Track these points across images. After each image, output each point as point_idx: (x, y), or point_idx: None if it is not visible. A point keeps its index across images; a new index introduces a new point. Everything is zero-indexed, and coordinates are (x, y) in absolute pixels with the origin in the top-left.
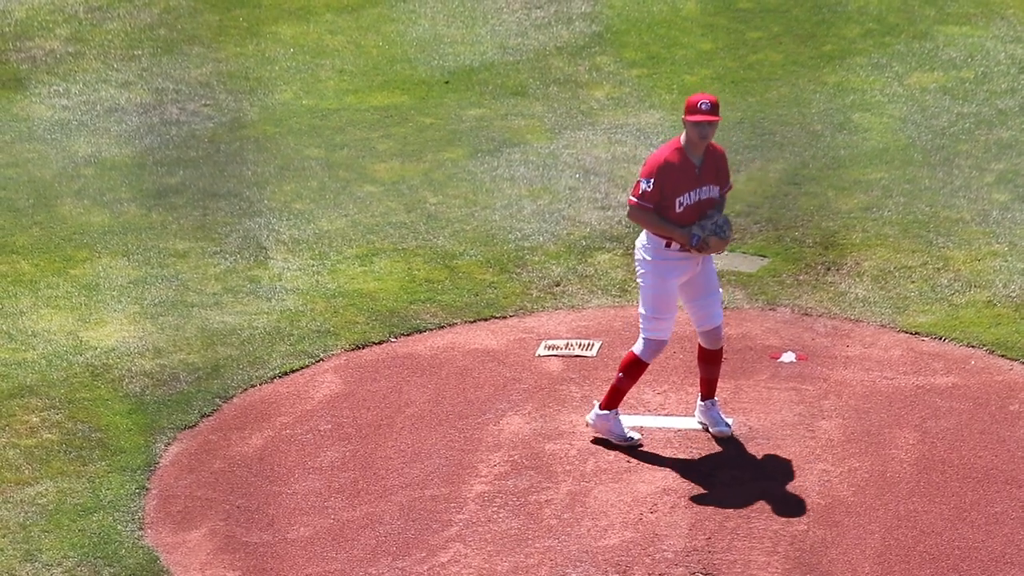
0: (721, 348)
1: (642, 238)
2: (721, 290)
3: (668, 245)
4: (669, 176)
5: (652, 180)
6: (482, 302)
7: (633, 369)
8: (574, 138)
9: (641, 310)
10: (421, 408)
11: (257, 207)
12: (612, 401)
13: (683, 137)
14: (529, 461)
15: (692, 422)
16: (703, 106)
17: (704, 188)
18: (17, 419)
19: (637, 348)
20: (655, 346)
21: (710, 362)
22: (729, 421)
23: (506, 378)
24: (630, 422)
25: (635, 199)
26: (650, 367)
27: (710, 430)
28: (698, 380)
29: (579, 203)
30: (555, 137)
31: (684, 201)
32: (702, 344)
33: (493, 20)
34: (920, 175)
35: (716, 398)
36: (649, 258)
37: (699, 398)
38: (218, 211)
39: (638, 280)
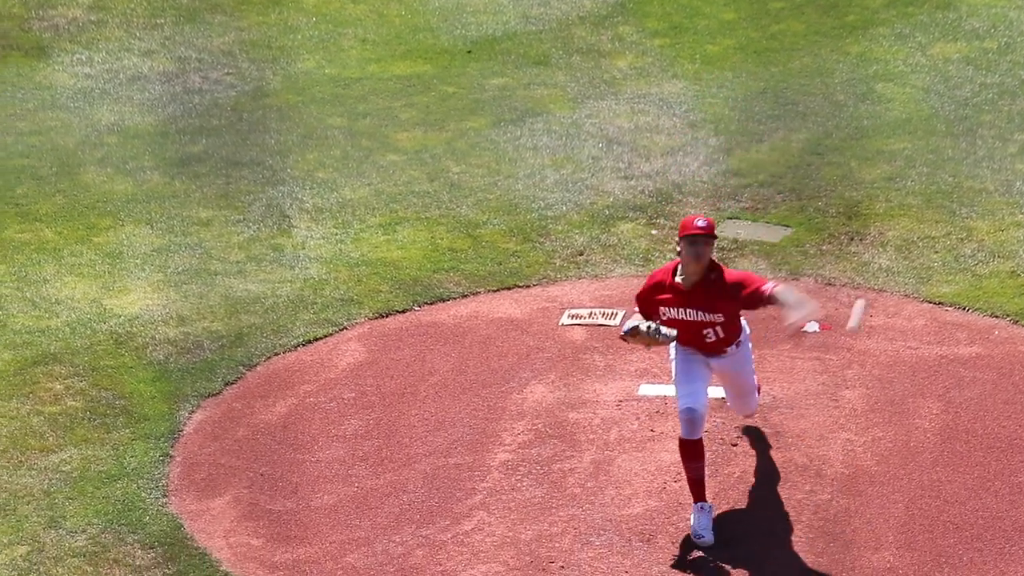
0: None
1: None
2: (756, 393)
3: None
4: (654, 293)
5: (640, 297)
6: (505, 271)
7: (683, 453)
8: (597, 107)
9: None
10: (444, 376)
11: (280, 176)
12: (693, 493)
13: (681, 258)
14: (553, 430)
15: (717, 391)
16: (698, 223)
17: (691, 311)
18: (41, 386)
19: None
20: (684, 415)
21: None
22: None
23: (529, 347)
24: (654, 391)
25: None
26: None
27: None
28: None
29: (602, 172)
30: (578, 106)
31: (666, 312)
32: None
33: None
34: (943, 145)
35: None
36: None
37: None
38: (241, 179)
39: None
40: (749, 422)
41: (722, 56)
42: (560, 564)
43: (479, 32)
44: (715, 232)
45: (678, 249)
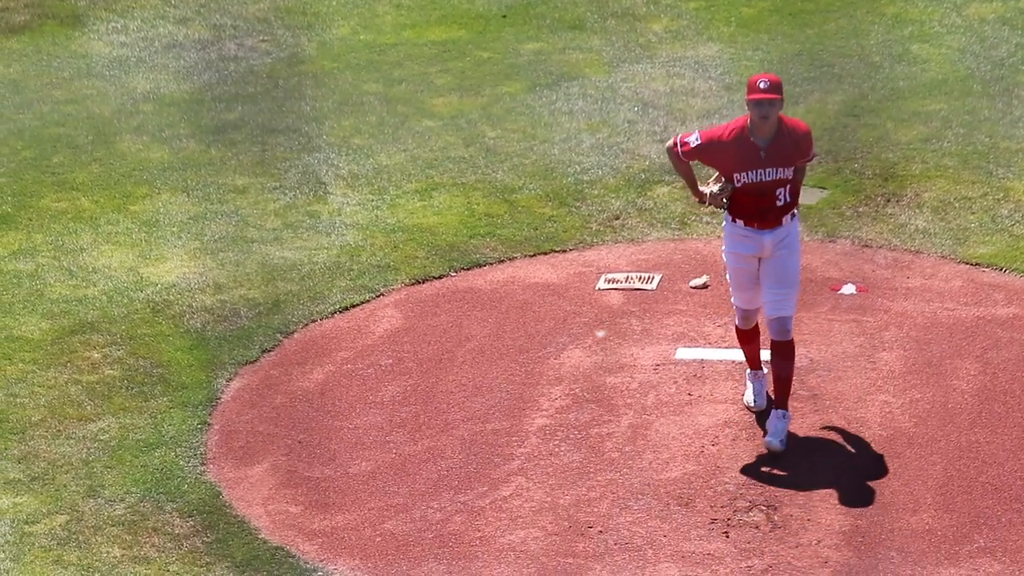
0: (788, 344)
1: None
2: (794, 289)
3: (734, 220)
4: (720, 153)
5: (700, 143)
6: (542, 236)
7: (740, 337)
8: (632, 71)
9: None
10: (481, 342)
11: (316, 142)
12: (750, 365)
13: (747, 120)
14: (590, 394)
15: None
16: (761, 84)
17: (769, 170)
18: (79, 355)
19: None
20: (738, 313)
21: (775, 354)
22: (782, 439)
23: (566, 312)
24: (691, 354)
25: (676, 144)
26: (712, 300)
27: (764, 437)
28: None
29: (638, 136)
30: (613, 70)
31: (742, 179)
32: (769, 333)
33: None
34: (979, 106)
35: (788, 411)
36: (726, 226)
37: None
38: (277, 147)
39: None
40: (780, 340)
41: (757, 19)
42: (599, 528)
43: None
44: (782, 91)
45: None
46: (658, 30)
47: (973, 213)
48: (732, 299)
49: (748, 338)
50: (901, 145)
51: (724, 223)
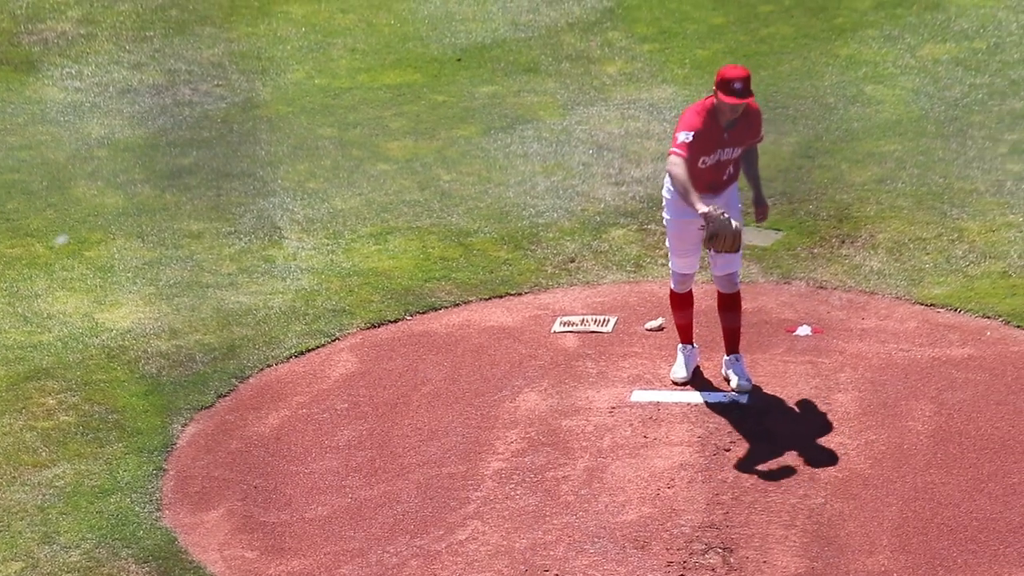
0: (735, 295)
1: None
2: (741, 247)
3: None
4: (701, 138)
5: (692, 134)
6: (497, 279)
7: (672, 303)
8: (587, 114)
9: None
10: (437, 386)
11: (271, 187)
12: (681, 336)
13: (714, 103)
14: (546, 438)
15: (709, 396)
16: (737, 86)
17: (726, 150)
18: (34, 401)
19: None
20: (676, 278)
21: (725, 309)
22: (747, 377)
23: (522, 355)
24: (647, 397)
25: (677, 150)
26: (667, 343)
27: (731, 384)
28: (721, 337)
29: (593, 179)
30: (568, 113)
31: (707, 161)
32: (717, 289)
33: None
34: (933, 147)
35: (741, 354)
36: (668, 196)
37: (724, 353)
38: (232, 191)
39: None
40: (731, 290)
41: (711, 60)
42: (555, 572)
43: (468, 40)
44: (751, 85)
45: (713, 92)
46: (612, 73)
47: (928, 254)
48: (671, 265)
49: (683, 303)
50: (855, 186)
51: (666, 192)
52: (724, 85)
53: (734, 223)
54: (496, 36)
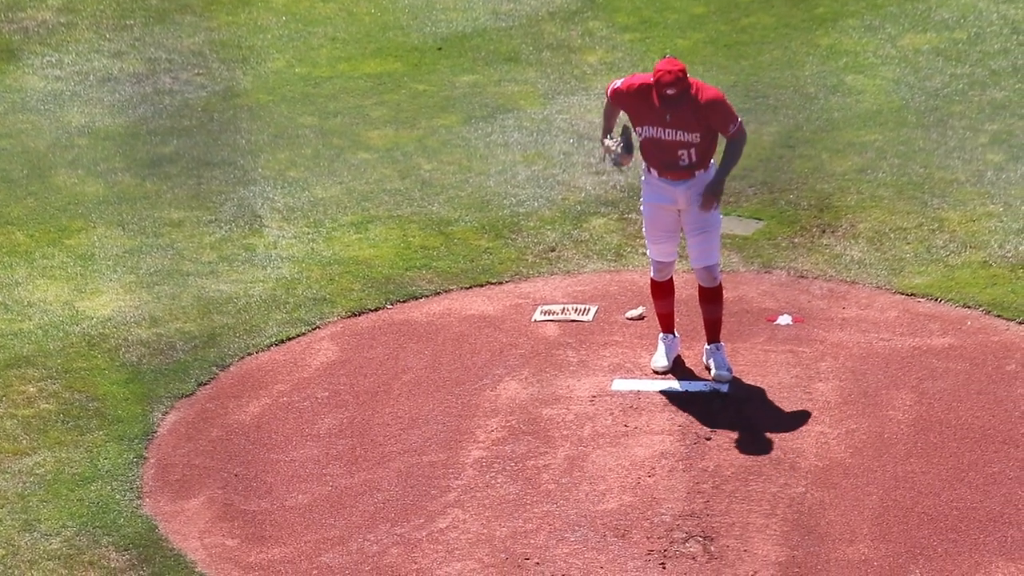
0: (716, 288)
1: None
2: (714, 234)
3: (648, 170)
4: (632, 101)
5: (622, 88)
6: (478, 268)
7: (652, 291)
8: (568, 103)
9: None
10: (418, 374)
11: (251, 175)
12: (662, 326)
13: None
14: (526, 426)
15: (689, 385)
16: (669, 92)
17: (670, 131)
18: (14, 389)
19: None
20: (655, 265)
21: (705, 300)
22: (728, 366)
23: (502, 343)
24: (627, 386)
25: (607, 89)
26: (648, 332)
27: (711, 373)
28: (702, 326)
29: (573, 168)
30: (548, 102)
31: (644, 132)
32: (698, 281)
33: None
34: (914, 136)
35: (722, 343)
36: (642, 183)
37: (705, 342)
38: (212, 180)
39: None
40: (711, 284)
41: (692, 50)
42: (535, 560)
43: (449, 29)
44: (686, 76)
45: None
46: (593, 62)
47: (908, 243)
48: (648, 252)
49: (663, 292)
50: (836, 176)
51: (642, 175)
52: (656, 80)
53: (623, 166)
54: (477, 25)
